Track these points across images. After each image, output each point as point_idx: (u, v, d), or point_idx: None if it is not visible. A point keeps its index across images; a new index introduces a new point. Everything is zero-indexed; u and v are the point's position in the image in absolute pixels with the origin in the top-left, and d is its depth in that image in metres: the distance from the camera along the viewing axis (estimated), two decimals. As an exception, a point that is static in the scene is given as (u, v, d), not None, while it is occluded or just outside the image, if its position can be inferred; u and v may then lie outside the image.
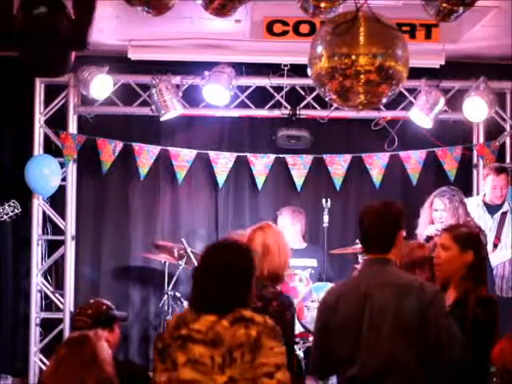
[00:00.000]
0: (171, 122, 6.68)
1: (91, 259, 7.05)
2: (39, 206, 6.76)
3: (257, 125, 7.06)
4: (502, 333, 3.57)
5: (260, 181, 6.83)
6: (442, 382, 3.25)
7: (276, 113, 6.79)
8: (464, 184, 6.84)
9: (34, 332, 6.70)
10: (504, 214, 6.04)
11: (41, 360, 6.66)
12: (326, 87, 4.03)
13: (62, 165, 6.70)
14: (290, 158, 6.82)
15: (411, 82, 6.36)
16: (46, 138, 6.79)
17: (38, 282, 6.73)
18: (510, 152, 6.92)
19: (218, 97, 6.55)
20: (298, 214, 6.63)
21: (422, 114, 6.54)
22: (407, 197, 6.59)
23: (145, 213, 7.08)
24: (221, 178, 6.81)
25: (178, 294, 6.44)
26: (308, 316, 5.40)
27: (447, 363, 3.18)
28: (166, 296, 6.42)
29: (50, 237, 6.86)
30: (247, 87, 6.82)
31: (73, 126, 6.76)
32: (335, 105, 5.00)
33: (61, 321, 6.68)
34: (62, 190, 6.71)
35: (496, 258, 5.77)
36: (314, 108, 6.80)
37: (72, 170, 6.78)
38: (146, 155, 6.72)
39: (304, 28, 5.71)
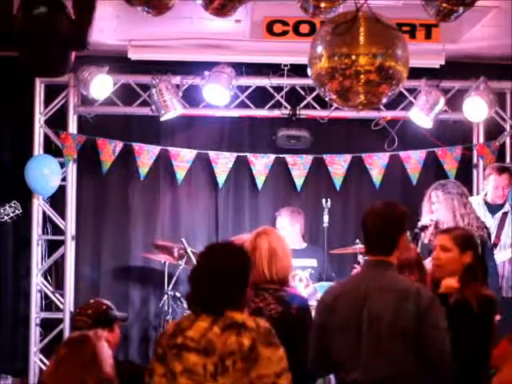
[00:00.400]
0: (171, 122, 6.68)
1: (91, 259, 7.05)
2: (39, 206, 6.76)
3: (257, 125, 7.06)
4: (502, 333, 3.59)
5: (260, 181, 6.83)
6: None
7: (276, 113, 6.79)
8: (464, 184, 6.80)
9: (34, 332, 6.70)
10: (505, 214, 6.05)
11: (41, 360, 6.66)
12: (325, 87, 4.04)
13: (62, 165, 6.70)
14: (290, 158, 6.82)
15: (411, 82, 6.36)
16: (46, 137, 6.79)
17: (37, 282, 6.73)
18: (510, 152, 6.93)
19: (218, 97, 6.56)
20: (296, 215, 6.63)
21: (422, 114, 6.54)
22: (407, 197, 6.58)
23: (145, 213, 7.08)
24: (221, 178, 6.81)
25: (178, 294, 6.44)
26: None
27: (438, 368, 3.17)
28: (165, 296, 6.42)
29: (50, 237, 6.86)
30: (247, 87, 6.83)
31: (73, 126, 6.76)
32: (335, 105, 4.99)
33: (61, 321, 6.68)
34: (62, 190, 6.71)
35: (496, 258, 5.77)
36: (314, 108, 6.80)
37: (72, 170, 6.78)
38: (146, 155, 6.72)
39: (304, 28, 5.71)
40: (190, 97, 6.76)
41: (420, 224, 5.34)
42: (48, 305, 6.84)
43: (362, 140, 7.04)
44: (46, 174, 6.55)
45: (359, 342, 3.16)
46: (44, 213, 6.81)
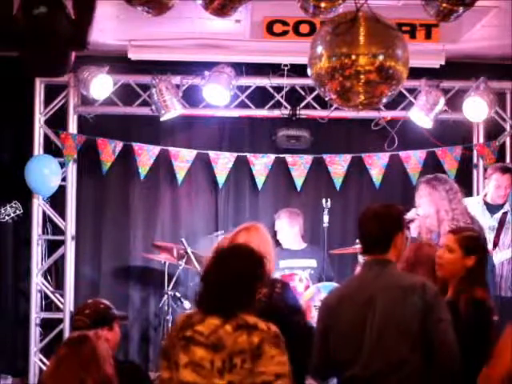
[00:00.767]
0: (171, 122, 6.68)
1: (91, 259, 7.05)
2: (39, 206, 6.76)
3: (257, 125, 7.06)
4: (501, 332, 3.59)
5: (260, 181, 6.83)
6: (442, 381, 3.26)
7: (276, 113, 6.79)
8: (464, 184, 6.80)
9: (34, 332, 6.70)
10: (505, 213, 6.04)
11: (41, 360, 6.66)
12: (325, 87, 4.04)
13: (62, 165, 6.70)
14: (290, 158, 6.82)
15: (411, 82, 6.36)
16: (46, 138, 6.79)
17: (38, 281, 6.73)
18: (510, 152, 6.92)
19: (218, 97, 6.55)
20: (295, 216, 6.64)
21: (422, 114, 6.54)
22: (407, 197, 6.55)
23: (145, 213, 7.08)
24: (221, 178, 6.81)
25: (178, 294, 6.44)
26: (316, 316, 5.33)
27: (443, 362, 3.19)
28: (165, 296, 6.42)
29: (50, 237, 6.86)
30: (247, 87, 6.82)
31: (73, 126, 6.76)
32: (335, 105, 5.00)
33: (61, 321, 6.68)
34: (62, 190, 6.70)
35: (496, 258, 5.77)
36: (314, 108, 6.80)
37: (72, 170, 6.78)
38: (146, 155, 6.72)
39: (304, 28, 5.71)
40: (190, 97, 6.76)
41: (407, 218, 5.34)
42: (48, 305, 6.84)
43: (362, 140, 7.04)
44: (46, 173, 6.54)
45: (364, 341, 3.18)
46: (44, 213, 6.81)
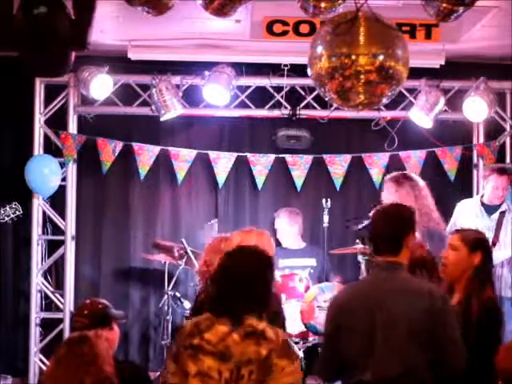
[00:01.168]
0: (171, 122, 6.68)
1: (91, 259, 7.05)
2: (39, 206, 6.76)
3: (257, 125, 7.06)
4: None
5: (260, 181, 6.83)
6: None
7: (276, 113, 6.79)
8: (464, 184, 6.85)
9: (34, 332, 6.70)
10: (502, 213, 6.06)
11: (41, 360, 6.66)
12: (325, 87, 4.04)
13: (62, 165, 6.70)
14: (290, 158, 6.82)
15: (411, 82, 6.35)
16: (46, 138, 6.78)
17: (38, 282, 6.73)
18: (510, 152, 6.92)
19: (218, 97, 6.55)
20: (295, 216, 6.65)
21: (422, 114, 6.54)
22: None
23: (145, 213, 7.08)
24: (221, 178, 6.81)
25: (177, 294, 6.44)
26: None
27: (451, 370, 3.22)
28: (165, 296, 6.43)
29: (50, 237, 6.86)
30: (247, 87, 6.82)
31: (73, 126, 6.76)
32: (335, 105, 5.00)
33: (61, 321, 6.68)
34: (62, 190, 6.70)
35: (495, 257, 5.77)
36: (314, 108, 6.80)
37: (72, 170, 6.78)
38: (146, 155, 6.72)
39: (304, 28, 5.71)
40: (190, 97, 6.76)
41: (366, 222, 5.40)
42: (48, 305, 6.84)
43: (362, 140, 7.04)
44: (46, 173, 6.55)
45: (373, 344, 3.18)
46: (44, 213, 6.80)
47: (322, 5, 4.10)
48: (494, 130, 6.88)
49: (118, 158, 6.73)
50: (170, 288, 6.44)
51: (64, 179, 6.71)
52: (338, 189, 6.81)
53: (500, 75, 6.72)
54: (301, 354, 5.33)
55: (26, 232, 6.76)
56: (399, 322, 3.17)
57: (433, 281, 3.69)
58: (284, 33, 5.78)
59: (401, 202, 5.21)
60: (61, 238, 6.79)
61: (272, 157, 6.81)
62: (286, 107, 6.77)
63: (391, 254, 3.31)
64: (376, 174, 6.77)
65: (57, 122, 6.76)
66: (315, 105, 6.78)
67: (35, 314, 6.70)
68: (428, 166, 6.81)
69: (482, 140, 6.89)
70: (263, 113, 6.85)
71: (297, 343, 5.41)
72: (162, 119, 6.59)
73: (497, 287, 5.78)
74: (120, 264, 7.07)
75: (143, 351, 7.01)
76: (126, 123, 6.95)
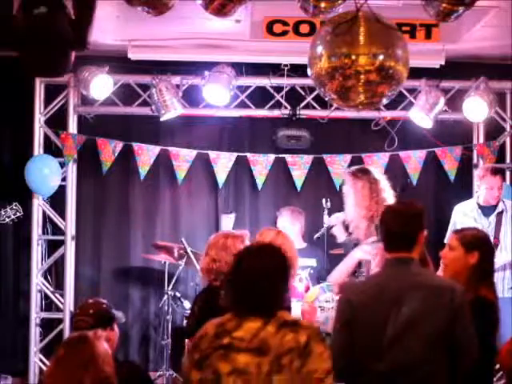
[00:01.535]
0: (171, 121, 6.68)
1: (91, 259, 7.06)
2: (39, 206, 6.76)
3: (257, 125, 7.06)
4: (501, 332, 3.59)
5: (260, 181, 6.83)
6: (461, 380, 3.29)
7: (276, 113, 6.79)
8: (464, 184, 6.84)
9: (34, 332, 6.70)
10: (500, 213, 6.06)
11: (41, 360, 6.66)
12: (326, 87, 4.04)
13: (62, 165, 6.70)
14: (290, 158, 6.82)
15: (411, 82, 6.35)
16: (46, 138, 6.78)
17: (38, 282, 6.73)
18: (510, 152, 6.93)
19: (218, 97, 6.55)
20: (297, 215, 6.64)
21: (422, 114, 6.54)
22: (407, 197, 6.54)
23: (145, 213, 7.09)
24: (221, 178, 6.81)
25: (177, 294, 6.45)
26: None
27: (466, 363, 3.26)
28: (165, 296, 6.43)
29: (50, 237, 6.86)
30: (247, 87, 6.82)
31: (73, 126, 6.76)
32: (335, 105, 5.00)
33: (61, 321, 6.69)
34: (62, 190, 6.70)
35: (498, 259, 5.77)
36: (314, 108, 6.80)
37: (72, 170, 6.78)
38: (146, 155, 6.71)
39: (304, 28, 5.71)
40: (190, 97, 6.76)
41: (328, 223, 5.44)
42: (48, 305, 6.84)
43: (362, 140, 7.04)
44: (46, 173, 6.55)
45: (385, 340, 3.20)
46: (44, 213, 6.80)
47: (322, 5, 4.10)
48: (494, 130, 6.88)
49: (118, 158, 6.72)
50: (170, 288, 6.44)
51: (64, 179, 6.71)
52: (338, 189, 6.80)
53: (500, 75, 6.72)
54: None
55: (26, 232, 6.76)
56: (417, 317, 3.19)
57: None
58: (284, 33, 5.78)
59: (357, 193, 5.30)
60: (61, 238, 6.79)
61: (272, 157, 6.81)
62: (286, 107, 6.77)
63: (405, 250, 3.33)
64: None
65: (57, 122, 6.76)
66: (315, 105, 6.78)
67: (35, 314, 6.70)
68: (428, 166, 6.81)
69: (482, 140, 6.89)
70: (263, 113, 6.85)
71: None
72: (162, 119, 6.59)
73: (499, 289, 5.79)
74: (120, 264, 7.07)
75: (143, 351, 7.02)
76: (125, 123, 6.96)
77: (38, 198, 6.72)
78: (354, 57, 3.85)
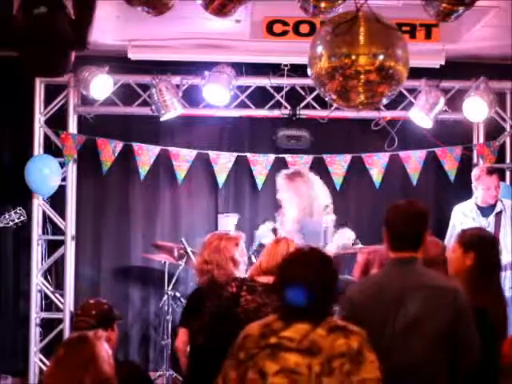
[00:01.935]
0: (171, 121, 6.68)
1: (91, 259, 7.06)
2: (39, 206, 6.76)
3: (257, 125, 7.06)
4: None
5: (260, 181, 6.83)
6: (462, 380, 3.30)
7: (276, 113, 6.79)
8: (464, 184, 6.83)
9: (34, 332, 6.70)
10: (498, 214, 6.07)
11: (41, 360, 6.65)
12: (326, 87, 4.04)
13: (62, 165, 6.70)
14: (290, 158, 6.82)
15: (411, 82, 6.35)
16: (46, 138, 6.78)
17: (38, 282, 6.73)
18: (510, 152, 6.93)
19: (218, 97, 6.55)
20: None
21: (422, 114, 6.55)
22: (407, 197, 6.53)
23: (145, 213, 7.09)
24: (221, 178, 6.81)
25: (177, 294, 6.45)
26: None
27: (468, 363, 3.27)
28: (165, 296, 6.43)
29: (50, 237, 6.86)
30: (247, 87, 6.82)
31: (73, 126, 6.76)
32: (335, 105, 5.00)
33: (61, 321, 6.68)
34: (62, 190, 6.70)
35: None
36: (314, 108, 6.80)
37: (72, 170, 6.78)
38: (146, 155, 6.71)
39: (304, 28, 5.72)
40: (190, 97, 6.76)
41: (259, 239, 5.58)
42: (48, 305, 6.84)
43: (362, 140, 7.04)
44: (46, 173, 6.54)
45: (387, 340, 3.19)
46: (44, 213, 6.80)
47: (322, 5, 4.10)
48: (494, 130, 6.89)
49: (118, 158, 6.72)
50: (170, 288, 6.44)
51: (64, 179, 6.71)
52: (337, 189, 6.80)
53: (500, 75, 6.72)
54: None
55: (26, 232, 6.75)
56: (420, 317, 3.19)
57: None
58: (284, 33, 5.78)
59: (291, 196, 5.33)
60: (61, 238, 6.79)
61: (272, 157, 6.81)
62: (286, 107, 6.77)
63: (411, 250, 3.32)
64: (376, 174, 6.77)
65: (57, 121, 6.75)
66: (315, 105, 6.78)
67: (35, 314, 6.70)
68: (428, 166, 6.81)
69: (482, 140, 6.89)
70: (263, 113, 6.85)
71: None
72: (161, 119, 6.59)
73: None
74: (120, 264, 7.07)
75: (143, 351, 7.01)
76: (125, 123, 6.96)
77: (38, 198, 6.72)
78: (354, 57, 3.85)
